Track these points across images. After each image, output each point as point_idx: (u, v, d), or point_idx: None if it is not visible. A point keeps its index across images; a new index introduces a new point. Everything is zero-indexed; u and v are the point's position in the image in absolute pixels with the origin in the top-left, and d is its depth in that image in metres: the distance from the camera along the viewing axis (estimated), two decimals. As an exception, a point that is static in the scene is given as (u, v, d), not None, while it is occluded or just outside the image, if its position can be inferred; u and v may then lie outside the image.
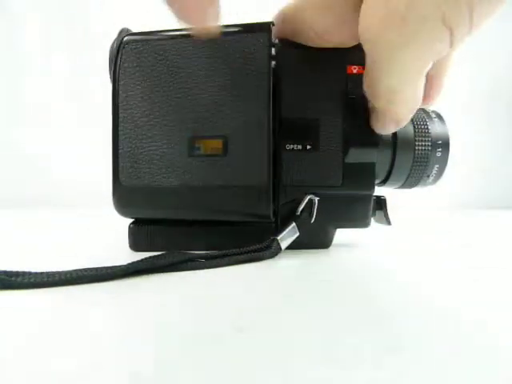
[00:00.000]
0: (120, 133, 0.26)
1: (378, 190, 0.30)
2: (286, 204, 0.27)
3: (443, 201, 0.59)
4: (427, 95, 0.24)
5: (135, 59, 0.27)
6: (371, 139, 0.27)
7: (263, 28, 0.26)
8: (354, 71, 0.27)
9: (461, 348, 0.13)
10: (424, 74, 0.20)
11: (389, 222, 0.29)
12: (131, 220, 0.27)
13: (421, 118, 0.28)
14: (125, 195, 0.26)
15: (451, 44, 0.18)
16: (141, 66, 0.26)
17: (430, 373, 0.11)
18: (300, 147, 0.27)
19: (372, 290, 0.20)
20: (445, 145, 0.28)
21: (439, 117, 0.29)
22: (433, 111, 0.29)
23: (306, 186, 0.27)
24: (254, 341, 0.13)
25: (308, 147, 0.27)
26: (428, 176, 0.28)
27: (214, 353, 0.12)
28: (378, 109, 0.23)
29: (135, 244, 0.27)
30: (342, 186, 0.27)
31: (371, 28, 0.19)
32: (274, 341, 0.13)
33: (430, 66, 0.20)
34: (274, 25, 0.26)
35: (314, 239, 0.28)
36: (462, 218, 0.54)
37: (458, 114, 0.33)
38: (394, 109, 0.23)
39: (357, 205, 0.28)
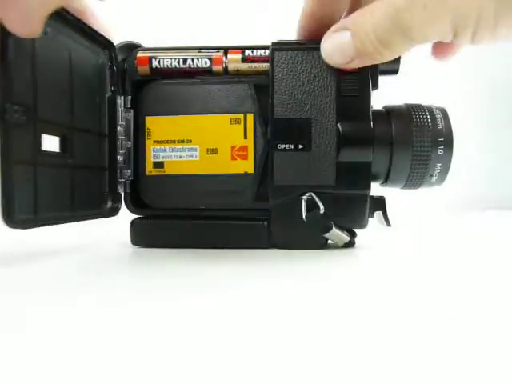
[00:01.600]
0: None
1: (382, 190, 0.29)
2: (278, 204, 0.27)
3: (445, 201, 0.58)
4: None
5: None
6: (365, 138, 0.26)
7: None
8: (348, 69, 0.27)
9: (459, 349, 0.13)
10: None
11: (388, 223, 0.28)
12: (130, 218, 0.29)
13: (421, 115, 0.27)
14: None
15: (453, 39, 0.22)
16: None
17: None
18: (292, 147, 0.27)
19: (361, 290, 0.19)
20: (447, 142, 0.26)
21: (443, 113, 0.27)
22: (437, 107, 0.27)
23: (298, 185, 0.27)
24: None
25: (300, 147, 0.27)
26: (431, 176, 0.27)
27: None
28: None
29: (137, 239, 0.29)
30: (335, 185, 0.27)
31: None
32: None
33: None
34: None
35: (309, 239, 0.28)
36: (465, 219, 0.52)
37: (460, 114, 0.31)
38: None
39: (352, 205, 0.27)
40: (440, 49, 0.28)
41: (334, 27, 0.24)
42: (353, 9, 0.27)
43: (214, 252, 0.27)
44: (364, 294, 0.19)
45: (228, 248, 0.28)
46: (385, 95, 0.29)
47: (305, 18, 0.27)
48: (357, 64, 0.24)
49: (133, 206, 0.29)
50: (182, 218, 0.29)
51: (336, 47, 0.24)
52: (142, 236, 0.29)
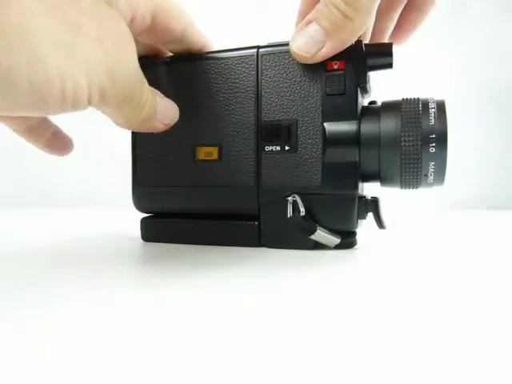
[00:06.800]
0: (137, 141, 0.31)
1: (380, 191, 0.28)
2: (267, 204, 0.28)
3: (445, 201, 0.55)
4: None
5: (152, 77, 0.31)
6: (350, 137, 0.26)
7: (250, 52, 0.28)
8: (335, 67, 0.26)
9: (460, 350, 0.13)
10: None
11: (381, 226, 0.27)
12: (141, 216, 0.32)
13: (413, 111, 0.25)
14: (142, 194, 0.31)
15: None
16: (156, 83, 0.31)
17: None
18: (278, 148, 0.27)
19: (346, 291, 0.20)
20: (440, 140, 0.24)
21: (440, 107, 0.25)
22: (435, 100, 0.25)
23: (285, 186, 0.27)
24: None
25: (286, 148, 0.27)
26: (426, 175, 0.25)
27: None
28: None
29: (146, 235, 0.32)
30: (322, 186, 0.26)
31: None
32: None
33: None
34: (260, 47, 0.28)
35: (297, 240, 0.28)
36: (466, 219, 0.51)
37: (462, 113, 0.29)
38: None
39: (340, 205, 0.27)
40: (399, 30, 0.28)
41: (297, 27, 0.24)
42: None
43: (212, 248, 0.29)
44: (362, 295, 0.18)
45: (220, 245, 0.29)
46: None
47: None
48: (329, 48, 0.24)
49: None
50: (181, 217, 0.31)
51: (305, 39, 0.24)
52: (152, 232, 0.32)
